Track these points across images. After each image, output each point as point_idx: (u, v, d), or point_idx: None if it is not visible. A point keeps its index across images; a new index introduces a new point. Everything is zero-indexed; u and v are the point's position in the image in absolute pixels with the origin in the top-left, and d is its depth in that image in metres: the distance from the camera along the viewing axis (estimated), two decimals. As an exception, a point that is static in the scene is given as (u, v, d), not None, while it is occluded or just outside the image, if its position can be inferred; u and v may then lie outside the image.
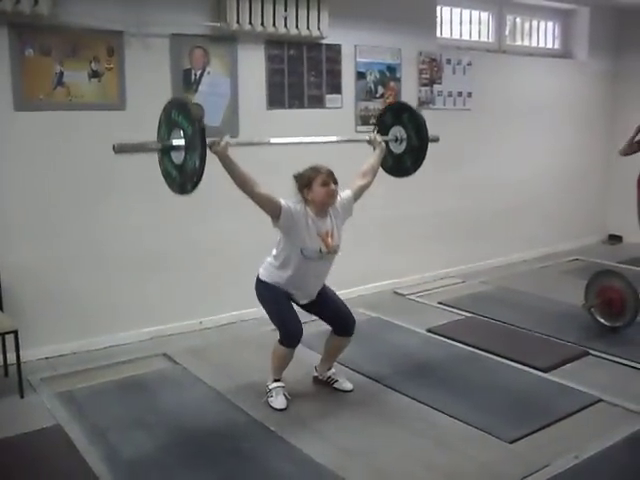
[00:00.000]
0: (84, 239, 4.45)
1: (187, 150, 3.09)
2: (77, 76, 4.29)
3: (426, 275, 6.21)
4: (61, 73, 4.23)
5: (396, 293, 5.88)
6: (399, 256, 5.94)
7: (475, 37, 6.77)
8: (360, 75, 5.61)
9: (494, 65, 6.61)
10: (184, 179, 3.15)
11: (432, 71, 6.09)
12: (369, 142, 3.98)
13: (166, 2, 4.53)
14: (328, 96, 5.43)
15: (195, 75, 4.74)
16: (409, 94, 5.93)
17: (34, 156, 4.23)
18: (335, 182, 3.54)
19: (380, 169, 4.01)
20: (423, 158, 4.06)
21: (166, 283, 4.77)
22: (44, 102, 4.20)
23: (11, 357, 3.89)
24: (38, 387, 3.90)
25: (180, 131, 3.12)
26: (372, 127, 5.61)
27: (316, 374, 3.95)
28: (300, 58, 5.22)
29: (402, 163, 4.11)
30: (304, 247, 3.49)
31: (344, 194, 3.68)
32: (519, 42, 7.20)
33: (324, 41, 5.29)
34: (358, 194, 3.78)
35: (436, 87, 6.13)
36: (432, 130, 6.03)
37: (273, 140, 3.98)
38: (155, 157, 4.62)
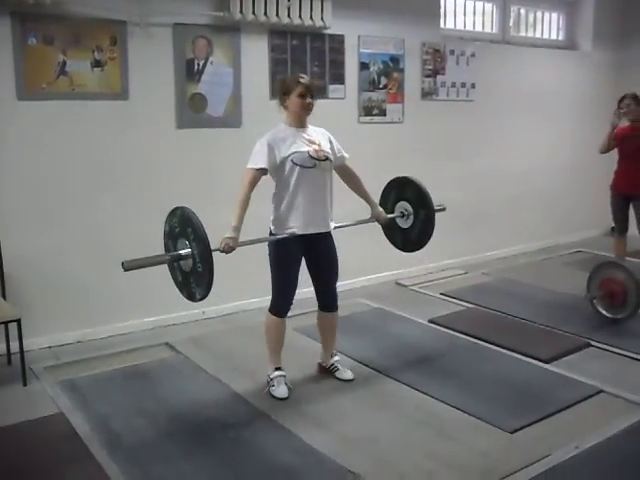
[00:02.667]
0: (87, 228, 4.46)
1: (194, 265, 3.22)
2: (80, 65, 4.29)
3: (429, 266, 6.21)
4: (64, 62, 4.23)
5: (398, 284, 5.89)
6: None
7: (479, 28, 6.75)
8: (363, 66, 5.59)
9: (498, 56, 6.59)
10: (192, 288, 3.29)
11: (436, 62, 6.07)
12: (377, 220, 3.97)
13: (169, -9, 4.53)
14: (331, 86, 5.41)
15: (198, 65, 4.74)
16: (412, 85, 5.93)
17: (37, 145, 4.23)
18: (312, 96, 3.56)
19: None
20: (432, 230, 4.05)
21: (168, 273, 4.76)
22: (47, 91, 4.20)
23: (14, 346, 3.90)
24: (41, 375, 3.92)
25: (186, 242, 3.25)
26: (374, 118, 5.66)
27: (320, 361, 3.96)
28: (303, 48, 5.21)
29: (410, 237, 4.11)
30: (294, 154, 3.47)
31: (337, 146, 3.71)
32: (523, 33, 7.19)
33: (327, 31, 5.27)
34: (339, 168, 3.75)
35: (439, 78, 6.12)
36: (435, 121, 6.09)
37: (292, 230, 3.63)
38: (156, 147, 4.66)
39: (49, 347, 4.37)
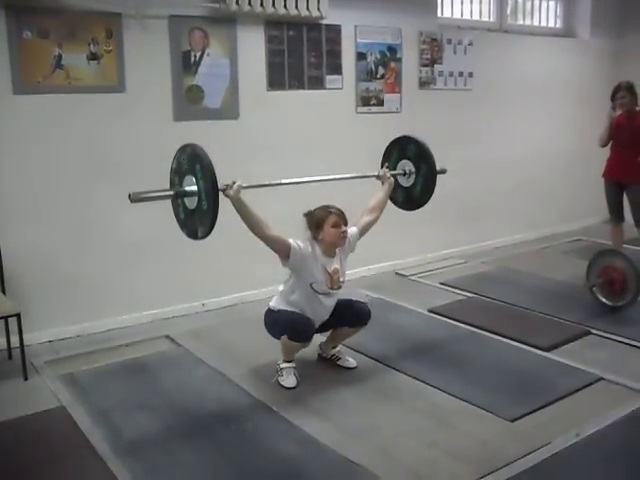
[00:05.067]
0: (86, 222, 4.45)
1: (199, 199, 3.18)
2: (76, 59, 4.26)
3: (428, 256, 6.21)
4: (60, 56, 4.21)
5: (398, 274, 5.89)
6: (401, 237, 5.92)
7: (476, 17, 6.72)
8: (360, 56, 5.57)
9: (495, 45, 6.57)
10: (196, 225, 3.26)
11: (433, 51, 6.05)
12: (378, 177, 4.01)
13: (164, -17, 4.51)
14: (328, 77, 5.40)
15: (195, 57, 4.72)
16: (410, 74, 5.91)
17: (33, 140, 4.22)
18: (346, 223, 3.61)
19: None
20: (433, 188, 4.07)
21: (168, 265, 4.78)
22: (43, 85, 4.18)
23: (14, 340, 3.90)
24: (41, 370, 3.92)
25: (192, 178, 3.20)
26: (371, 108, 5.65)
27: (320, 352, 3.97)
28: (300, 39, 5.19)
29: (412, 195, 4.15)
30: (314, 281, 3.55)
31: (350, 230, 3.73)
32: (521, 21, 7.17)
33: (324, 22, 5.24)
34: (364, 230, 3.85)
35: (437, 67, 6.10)
36: (433, 110, 6.08)
37: (285, 180, 3.72)
38: (154, 140, 4.63)
39: (49, 341, 4.37)
